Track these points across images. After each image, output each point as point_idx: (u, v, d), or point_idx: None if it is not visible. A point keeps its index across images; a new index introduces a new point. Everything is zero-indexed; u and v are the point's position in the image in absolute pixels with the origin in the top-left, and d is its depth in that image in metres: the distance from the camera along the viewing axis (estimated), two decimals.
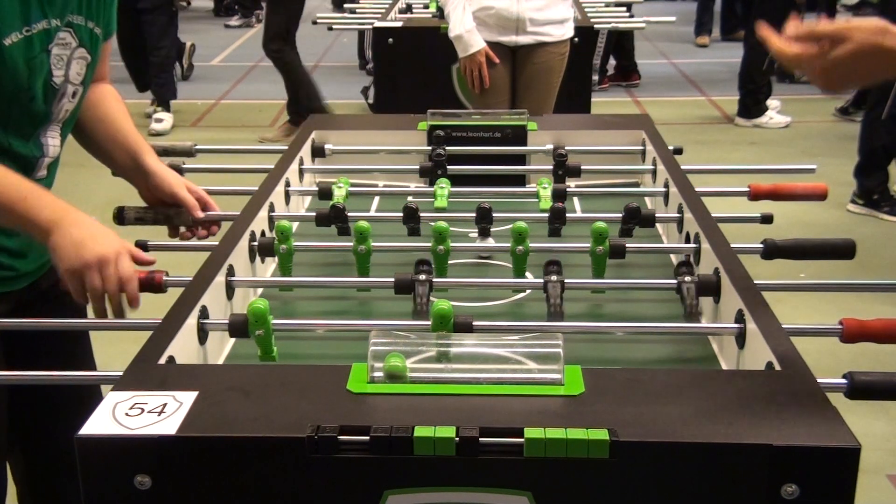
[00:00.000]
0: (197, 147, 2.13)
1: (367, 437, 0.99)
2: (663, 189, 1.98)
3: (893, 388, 1.17)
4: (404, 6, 5.16)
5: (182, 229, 1.77)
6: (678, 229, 1.81)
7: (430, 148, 2.18)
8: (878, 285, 1.66)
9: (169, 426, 1.02)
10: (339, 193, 1.99)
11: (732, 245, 1.56)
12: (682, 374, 1.19)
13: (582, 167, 2.12)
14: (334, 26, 5.23)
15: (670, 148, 2.13)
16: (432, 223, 1.65)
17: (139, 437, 1.00)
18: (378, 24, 4.44)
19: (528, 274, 1.65)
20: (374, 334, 1.15)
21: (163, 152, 2.07)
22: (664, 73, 8.03)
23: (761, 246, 1.65)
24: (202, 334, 1.38)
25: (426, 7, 5.13)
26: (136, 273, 1.46)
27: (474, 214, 1.76)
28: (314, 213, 1.81)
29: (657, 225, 1.89)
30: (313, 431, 1.00)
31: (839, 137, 5.86)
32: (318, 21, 5.29)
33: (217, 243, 1.62)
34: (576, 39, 3.87)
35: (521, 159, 2.26)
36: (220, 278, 1.49)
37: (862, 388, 1.17)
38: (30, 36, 1.47)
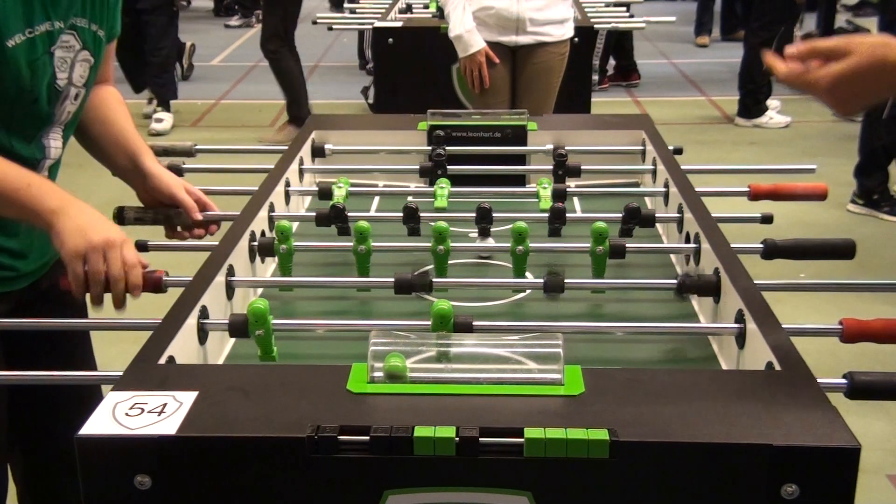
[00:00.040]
0: (197, 147, 2.13)
1: (367, 437, 0.99)
2: (663, 189, 1.98)
3: (893, 388, 1.17)
4: (404, 6, 5.16)
5: (179, 229, 1.77)
6: (678, 229, 1.81)
7: (430, 148, 2.18)
8: (878, 285, 1.66)
9: (169, 426, 1.02)
10: (339, 193, 1.99)
11: (732, 245, 1.56)
12: (682, 374, 1.19)
13: (582, 167, 2.12)
14: (334, 26, 5.23)
15: (670, 148, 2.13)
16: (432, 223, 1.65)
17: (139, 437, 1.00)
18: (378, 24, 4.44)
19: (528, 274, 1.65)
20: (374, 334, 1.15)
21: (163, 152, 2.07)
22: (664, 73, 8.03)
23: (761, 246, 1.65)
24: (202, 334, 1.38)
25: (426, 7, 5.13)
26: (142, 262, 1.47)
27: (474, 214, 1.76)
28: (314, 213, 1.81)
29: (657, 225, 1.89)
30: (313, 431, 1.00)
31: (839, 137, 5.86)
32: (318, 21, 5.29)
33: (217, 243, 1.62)
34: (576, 39, 3.87)
35: (521, 159, 2.26)
36: (220, 278, 1.49)
37: (862, 388, 1.17)
38: (33, 38, 1.47)
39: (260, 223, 1.75)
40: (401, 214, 1.78)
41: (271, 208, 1.84)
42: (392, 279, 1.53)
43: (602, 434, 0.98)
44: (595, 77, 6.06)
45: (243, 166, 2.19)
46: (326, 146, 2.24)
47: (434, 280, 1.54)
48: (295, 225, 1.81)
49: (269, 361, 1.37)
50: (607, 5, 5.16)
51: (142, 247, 1.68)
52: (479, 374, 1.12)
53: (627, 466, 0.99)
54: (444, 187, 1.96)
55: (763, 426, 1.01)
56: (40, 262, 1.67)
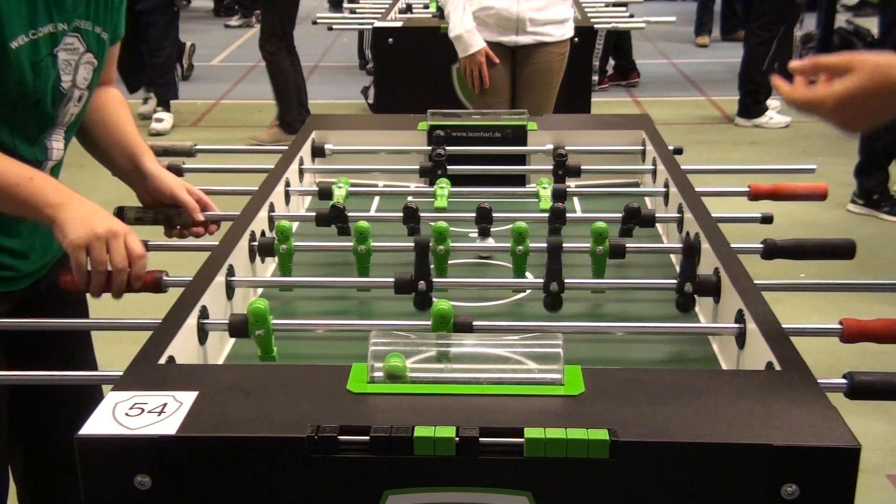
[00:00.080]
0: (197, 147, 2.13)
1: (367, 437, 0.99)
2: (663, 189, 1.98)
3: (893, 388, 1.17)
4: (404, 6, 5.16)
5: (178, 228, 1.78)
6: (678, 229, 1.81)
7: (430, 148, 2.18)
8: (878, 285, 1.66)
9: (169, 426, 1.02)
10: (339, 193, 1.99)
11: (732, 245, 1.56)
12: (682, 374, 1.19)
13: (582, 167, 2.12)
14: (334, 26, 5.23)
15: (670, 148, 2.13)
16: (432, 223, 1.65)
17: (139, 437, 1.00)
18: (378, 24, 4.44)
19: (528, 274, 1.65)
20: (374, 334, 1.15)
21: (163, 152, 2.07)
22: (664, 73, 8.04)
23: (761, 246, 1.65)
24: (202, 334, 1.38)
25: (426, 7, 5.13)
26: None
27: (474, 214, 1.76)
28: (314, 213, 1.81)
29: (657, 225, 1.89)
30: (313, 431, 1.00)
31: (839, 137, 5.80)
32: (318, 21, 5.30)
33: (217, 243, 1.62)
34: (576, 39, 3.87)
35: (521, 159, 2.27)
36: (220, 278, 1.49)
37: (862, 388, 1.17)
38: (36, 39, 1.47)
39: (260, 223, 1.75)
40: (401, 214, 1.78)
41: (271, 208, 1.84)
42: (392, 279, 1.53)
43: (602, 434, 0.98)
44: (595, 77, 6.06)
45: (243, 166, 2.19)
46: (326, 146, 2.24)
47: (434, 280, 1.53)
48: (295, 225, 1.81)
49: (269, 361, 1.37)
50: (607, 5, 5.16)
51: None
52: (479, 374, 1.12)
53: (627, 466, 0.99)
54: (444, 187, 1.96)
55: (763, 426, 1.01)
56: (41, 262, 1.67)
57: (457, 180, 2.02)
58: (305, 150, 2.18)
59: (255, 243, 1.69)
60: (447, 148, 2.15)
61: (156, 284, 1.49)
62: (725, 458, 0.99)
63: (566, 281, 1.52)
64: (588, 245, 1.63)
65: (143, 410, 1.05)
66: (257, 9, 9.93)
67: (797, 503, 0.98)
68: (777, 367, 1.18)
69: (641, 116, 2.43)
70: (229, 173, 2.19)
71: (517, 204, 1.99)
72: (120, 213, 1.79)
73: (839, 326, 1.37)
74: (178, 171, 1.94)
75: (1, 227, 1.57)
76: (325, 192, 2.00)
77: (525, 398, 1.08)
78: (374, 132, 2.31)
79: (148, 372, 1.16)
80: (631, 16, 5.05)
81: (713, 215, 1.70)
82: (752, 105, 6.34)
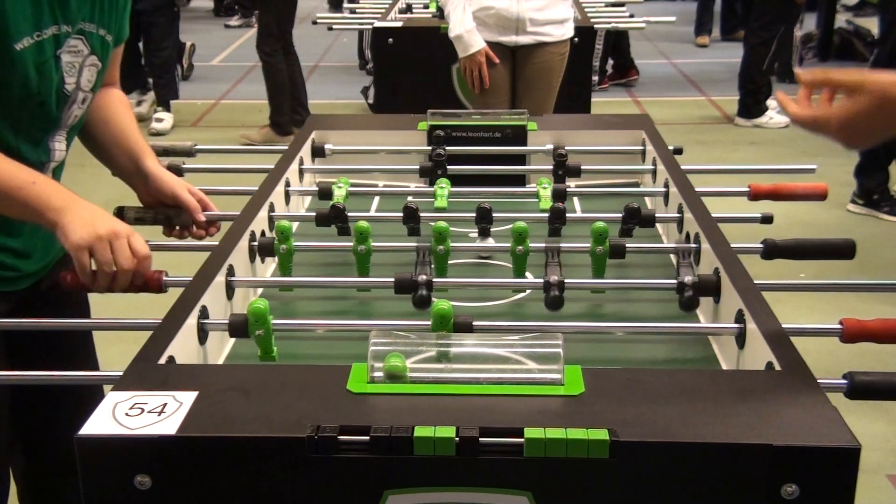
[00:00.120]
0: (197, 147, 2.13)
1: (367, 437, 0.99)
2: (663, 189, 1.98)
3: (893, 388, 1.17)
4: (404, 6, 5.16)
5: (178, 228, 1.78)
6: (678, 229, 1.81)
7: (430, 148, 2.18)
8: (878, 285, 1.66)
9: (169, 426, 1.02)
10: (339, 193, 1.99)
11: (732, 245, 1.56)
12: (682, 374, 1.19)
13: (582, 167, 2.12)
14: (334, 26, 5.23)
15: (670, 148, 2.13)
16: (432, 223, 1.65)
17: (139, 437, 1.00)
18: (378, 24, 4.44)
19: (528, 274, 1.65)
20: (374, 334, 1.15)
21: (163, 152, 2.07)
22: (664, 73, 8.03)
23: (761, 246, 1.65)
24: (202, 334, 1.38)
25: (426, 7, 5.13)
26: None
27: (474, 214, 1.76)
28: (314, 213, 1.81)
29: (657, 225, 1.89)
30: (313, 431, 1.00)
31: None
32: (318, 21, 5.29)
33: (217, 243, 1.62)
34: (576, 39, 3.87)
35: (521, 159, 2.26)
36: (220, 278, 1.49)
37: (862, 388, 1.17)
38: (40, 41, 1.47)
39: (260, 223, 1.75)
40: (401, 214, 1.78)
41: (271, 208, 1.84)
42: (392, 279, 1.53)
43: (602, 434, 0.99)
44: (595, 77, 6.06)
45: (243, 166, 2.19)
46: (326, 146, 2.24)
47: (434, 280, 1.54)
48: (295, 225, 1.81)
49: (269, 361, 1.37)
50: (607, 5, 5.16)
51: None
52: (479, 374, 1.12)
53: (627, 466, 0.99)
54: (444, 187, 1.96)
55: (763, 426, 1.01)
56: (43, 262, 1.67)
57: (457, 180, 2.02)
58: (305, 150, 2.18)
59: (255, 243, 1.69)
60: (447, 148, 2.15)
61: (156, 284, 1.49)
62: (725, 458, 0.99)
63: (566, 281, 1.52)
64: (588, 245, 1.63)
65: (143, 410, 1.05)
66: (257, 8, 9.96)
67: (797, 503, 0.98)
68: (777, 367, 1.18)
69: (641, 116, 2.43)
70: (229, 173, 2.19)
71: (517, 204, 1.99)
72: (120, 213, 1.79)
73: (839, 326, 1.37)
74: (178, 171, 1.95)
75: (3, 227, 1.57)
76: (325, 192, 2.00)
77: (525, 398, 1.08)
78: (374, 132, 2.31)
79: (148, 372, 1.16)
80: (631, 16, 5.05)
81: (713, 215, 1.70)
82: (752, 105, 6.34)
